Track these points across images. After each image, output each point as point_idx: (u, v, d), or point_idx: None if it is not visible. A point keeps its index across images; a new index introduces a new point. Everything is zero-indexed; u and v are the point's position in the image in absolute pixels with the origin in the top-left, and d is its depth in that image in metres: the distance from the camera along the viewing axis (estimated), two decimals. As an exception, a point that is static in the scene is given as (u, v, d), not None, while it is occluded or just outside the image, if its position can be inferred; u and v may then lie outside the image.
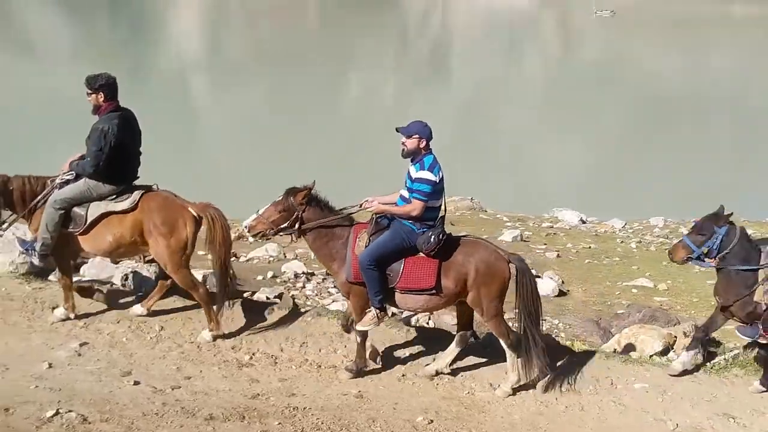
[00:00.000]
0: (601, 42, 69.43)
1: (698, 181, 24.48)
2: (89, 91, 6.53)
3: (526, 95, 43.78)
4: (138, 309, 7.08)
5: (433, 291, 6.10)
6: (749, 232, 7.30)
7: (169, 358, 6.43)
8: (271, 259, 13.37)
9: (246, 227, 6.32)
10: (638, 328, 8.26)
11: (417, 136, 6.04)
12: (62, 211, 6.57)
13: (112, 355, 6.39)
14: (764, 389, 6.68)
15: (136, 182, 6.85)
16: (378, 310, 6.20)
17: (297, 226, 6.22)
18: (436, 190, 6.06)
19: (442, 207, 6.20)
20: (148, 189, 6.79)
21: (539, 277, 12.57)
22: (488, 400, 6.28)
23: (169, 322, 6.96)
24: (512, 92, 44.73)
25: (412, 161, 6.13)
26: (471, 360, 6.80)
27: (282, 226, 6.23)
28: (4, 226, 6.98)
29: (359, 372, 6.45)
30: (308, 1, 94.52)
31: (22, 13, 68.97)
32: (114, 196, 6.65)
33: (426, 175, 5.99)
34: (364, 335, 6.39)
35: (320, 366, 6.57)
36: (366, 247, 6.08)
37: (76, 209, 6.62)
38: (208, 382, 6.10)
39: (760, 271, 6.39)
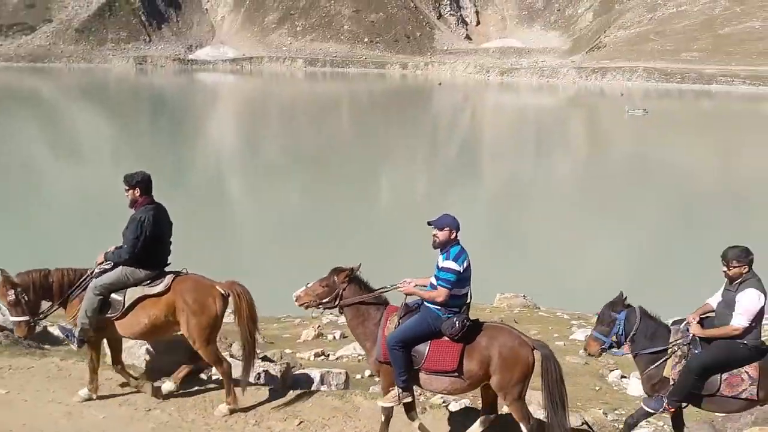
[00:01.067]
0: (632, 141, 70.65)
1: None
2: (127, 188, 7.23)
3: (556, 192, 44.48)
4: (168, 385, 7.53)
5: (456, 374, 6.44)
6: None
7: (344, 454, 6.82)
8: (361, 357, 13.53)
9: (294, 297, 6.86)
10: (758, 429, 8.43)
11: (448, 228, 6.49)
12: (101, 297, 7.09)
13: (291, 452, 6.80)
14: None
15: (167, 268, 7.42)
16: (401, 390, 6.57)
17: (337, 302, 6.79)
18: (461, 278, 6.44)
19: (468, 294, 6.59)
20: (178, 273, 7.38)
21: (625, 377, 12.85)
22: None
23: (332, 420, 7.39)
24: (542, 189, 45.50)
25: (440, 251, 6.53)
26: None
27: (324, 300, 6.80)
28: (41, 315, 7.33)
29: None
30: (342, 102, 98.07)
31: (76, 121, 72.22)
32: (148, 281, 7.20)
33: (451, 264, 6.42)
34: (387, 413, 6.70)
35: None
36: (395, 328, 6.52)
37: (114, 295, 7.13)
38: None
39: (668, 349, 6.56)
